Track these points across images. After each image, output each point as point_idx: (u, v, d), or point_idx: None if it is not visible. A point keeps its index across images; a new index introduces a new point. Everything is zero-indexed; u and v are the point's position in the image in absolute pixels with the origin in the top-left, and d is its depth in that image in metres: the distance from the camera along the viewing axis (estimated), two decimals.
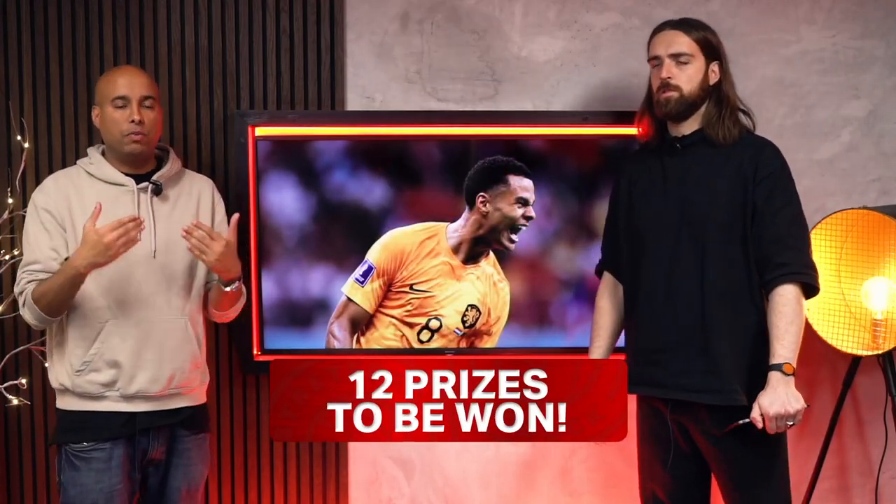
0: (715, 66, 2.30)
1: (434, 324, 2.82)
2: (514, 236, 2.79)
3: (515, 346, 2.84)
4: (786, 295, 2.19)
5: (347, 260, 2.80)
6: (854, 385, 2.84)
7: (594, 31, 2.89)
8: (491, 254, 2.81)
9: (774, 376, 2.17)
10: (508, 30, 2.89)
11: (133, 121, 2.31)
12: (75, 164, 2.44)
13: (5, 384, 2.80)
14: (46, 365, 2.77)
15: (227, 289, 2.39)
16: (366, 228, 2.80)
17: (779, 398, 2.14)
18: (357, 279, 2.79)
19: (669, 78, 2.28)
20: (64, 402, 2.38)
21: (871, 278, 2.63)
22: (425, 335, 2.83)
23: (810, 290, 2.23)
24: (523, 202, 2.78)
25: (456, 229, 2.79)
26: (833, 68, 2.90)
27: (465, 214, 2.79)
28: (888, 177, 2.94)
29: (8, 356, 2.81)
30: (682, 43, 2.28)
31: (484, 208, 2.78)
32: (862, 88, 2.91)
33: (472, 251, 2.80)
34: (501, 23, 2.89)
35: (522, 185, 2.78)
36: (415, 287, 2.80)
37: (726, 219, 2.25)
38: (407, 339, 2.82)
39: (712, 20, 2.40)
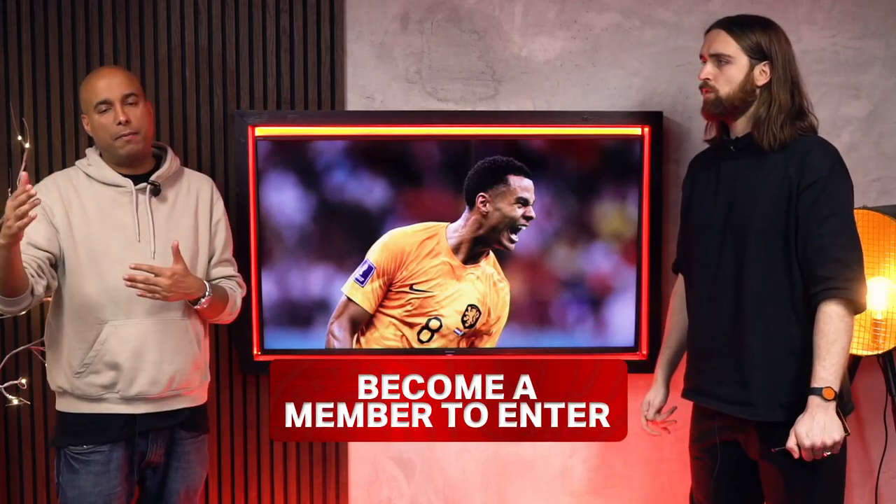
0: (765, 67, 2.20)
1: (434, 324, 2.82)
2: (514, 236, 2.79)
3: (515, 346, 2.84)
4: (828, 313, 2.08)
5: (347, 260, 2.80)
6: (854, 385, 2.84)
7: (594, 31, 2.89)
8: (491, 254, 2.81)
9: (813, 401, 2.06)
10: (508, 30, 2.89)
11: (120, 122, 2.30)
12: (74, 165, 2.44)
13: (5, 384, 2.79)
14: (46, 365, 2.78)
15: (196, 306, 2.37)
16: (366, 228, 2.80)
17: (816, 426, 2.04)
18: (357, 279, 2.79)
19: (707, 78, 2.23)
20: (63, 405, 2.38)
21: (871, 278, 2.62)
22: (425, 335, 2.83)
23: (855, 305, 2.10)
24: (523, 202, 2.78)
25: (456, 229, 2.79)
26: (833, 68, 2.90)
27: (465, 214, 2.79)
28: (888, 177, 2.94)
29: (8, 356, 2.81)
30: (724, 43, 2.21)
31: (484, 208, 2.77)
32: (862, 88, 2.91)
33: (472, 251, 2.80)
34: (501, 23, 2.89)
35: (522, 185, 2.78)
36: (415, 287, 2.80)
37: (767, 226, 2.17)
38: (407, 339, 2.82)
39: (712, 20, 2.38)
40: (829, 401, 2.06)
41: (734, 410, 2.22)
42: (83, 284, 2.30)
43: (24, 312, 2.33)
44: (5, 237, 2.06)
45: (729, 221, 2.23)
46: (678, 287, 2.52)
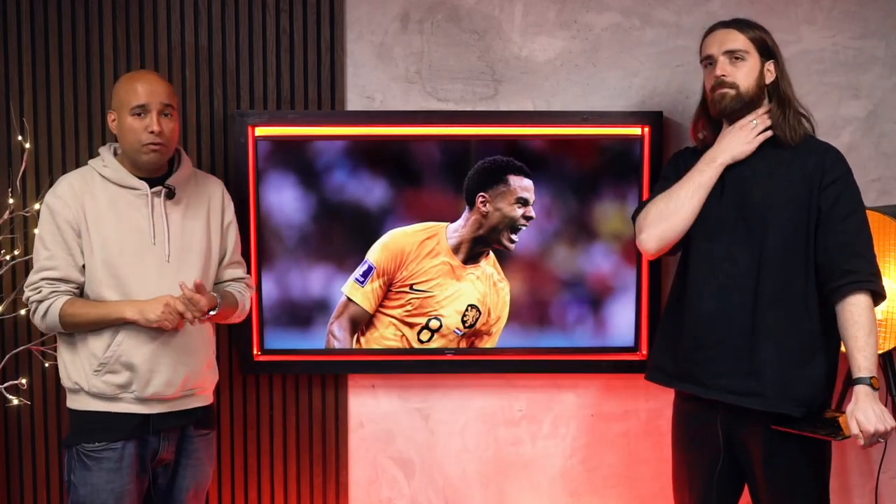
0: (770, 65, 2.27)
1: (434, 324, 2.82)
2: (514, 236, 2.79)
3: (515, 347, 2.84)
4: (860, 304, 2.15)
5: (347, 260, 2.80)
6: None
7: (594, 31, 2.89)
8: (491, 254, 2.81)
9: (863, 391, 2.12)
10: (508, 30, 2.89)
11: (152, 131, 2.28)
12: (87, 164, 2.42)
13: (5, 384, 2.79)
14: (46, 365, 2.78)
15: (204, 318, 2.40)
16: (366, 228, 2.80)
17: (875, 415, 2.10)
18: (357, 279, 2.79)
19: (724, 75, 2.24)
20: (76, 402, 2.36)
21: None
22: (425, 335, 2.83)
23: (878, 298, 2.19)
24: (523, 202, 2.78)
25: (456, 229, 2.80)
26: (833, 68, 2.90)
27: (465, 214, 2.79)
28: (888, 177, 2.94)
29: (8, 356, 2.81)
30: (736, 40, 2.25)
31: (484, 208, 2.78)
32: (862, 88, 2.91)
33: (472, 251, 2.80)
34: (501, 23, 2.89)
35: (522, 185, 2.78)
36: (415, 287, 2.80)
37: (787, 222, 2.21)
38: (407, 339, 2.82)
39: (712, 20, 2.40)
40: (876, 389, 2.12)
41: (742, 401, 2.22)
42: (101, 287, 2.29)
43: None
44: (134, 319, 2.26)
45: (743, 216, 2.24)
46: None
